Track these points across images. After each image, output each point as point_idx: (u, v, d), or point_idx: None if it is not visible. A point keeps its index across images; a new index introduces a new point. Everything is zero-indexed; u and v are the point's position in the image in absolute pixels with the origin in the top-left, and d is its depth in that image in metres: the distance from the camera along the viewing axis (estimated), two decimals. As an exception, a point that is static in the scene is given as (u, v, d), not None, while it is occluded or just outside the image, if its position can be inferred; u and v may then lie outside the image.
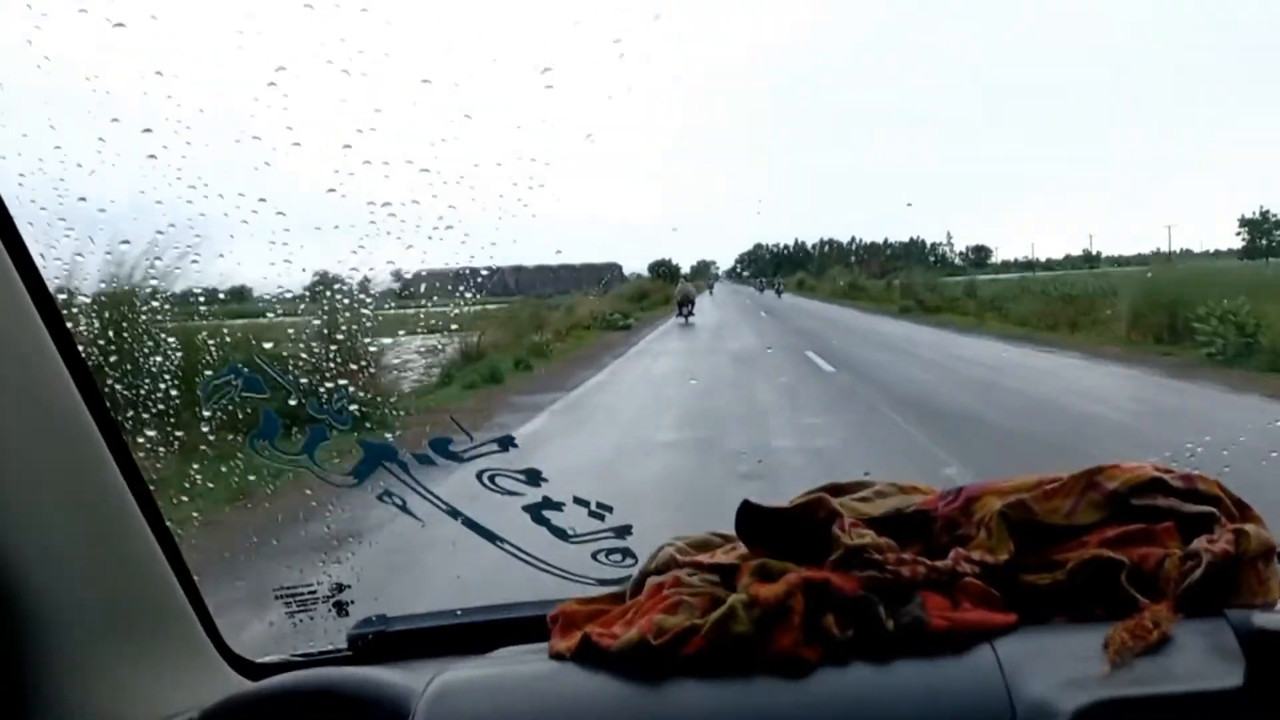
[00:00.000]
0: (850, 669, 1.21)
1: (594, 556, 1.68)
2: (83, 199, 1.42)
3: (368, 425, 1.71)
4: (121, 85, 1.42)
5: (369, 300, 1.86)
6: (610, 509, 1.66)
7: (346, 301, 1.85)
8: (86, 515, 1.30)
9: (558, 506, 1.65)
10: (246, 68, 1.47)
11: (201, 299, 1.59)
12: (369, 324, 1.91)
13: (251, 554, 1.87)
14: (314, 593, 1.70)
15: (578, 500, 1.66)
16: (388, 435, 1.60)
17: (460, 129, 1.61)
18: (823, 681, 1.21)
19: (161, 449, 1.62)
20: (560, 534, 1.66)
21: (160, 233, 1.52)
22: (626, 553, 1.68)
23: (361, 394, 1.69)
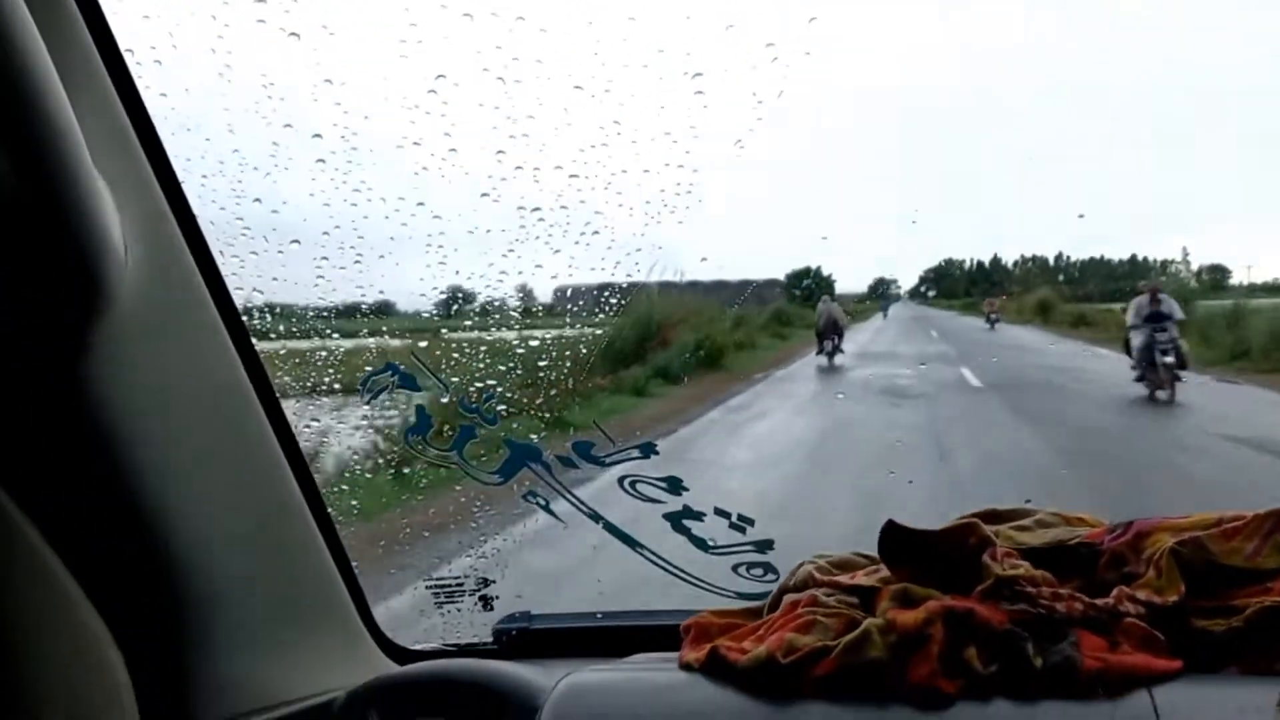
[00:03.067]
0: (991, 705, 1.15)
1: (734, 570, 1.66)
2: (258, 200, 1.52)
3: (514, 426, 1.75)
4: (294, 93, 1.52)
5: (516, 306, 1.91)
6: (752, 522, 1.64)
7: (497, 304, 1.91)
8: (255, 503, 1.38)
9: (698, 516, 1.64)
10: (408, 76, 1.55)
11: (364, 297, 1.68)
12: (516, 326, 1.96)
13: (405, 545, 1.95)
14: (461, 585, 1.75)
15: (719, 511, 1.64)
16: (532, 436, 1.64)
17: (609, 135, 1.63)
18: (960, 716, 1.15)
19: (325, 440, 1.72)
20: (701, 544, 1.65)
21: (326, 233, 1.62)
22: (768, 568, 1.66)
23: (509, 395, 1.73)
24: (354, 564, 1.60)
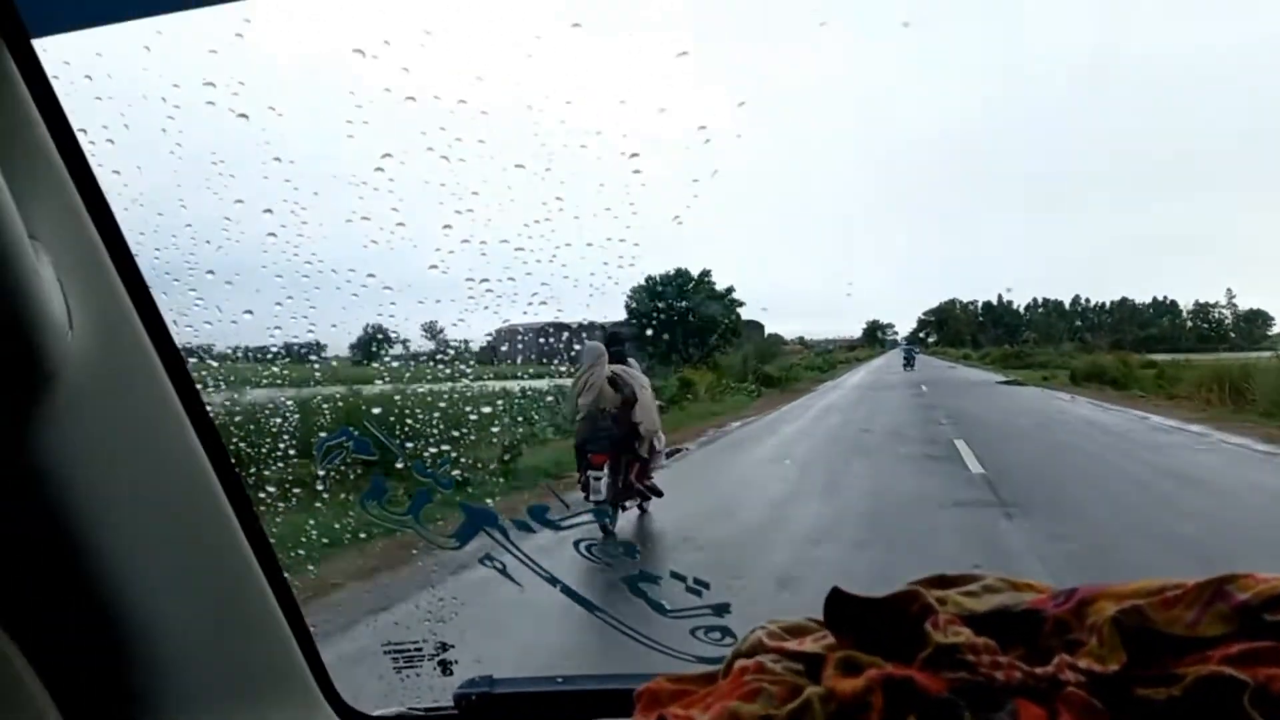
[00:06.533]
0: None
1: (692, 633, 1.67)
2: (210, 272, 1.55)
3: (469, 489, 1.76)
4: (244, 170, 1.56)
5: (469, 369, 1.94)
6: (707, 585, 1.65)
7: (448, 371, 1.93)
8: (208, 567, 1.39)
9: (654, 579, 1.65)
10: (355, 155, 1.60)
11: (317, 367, 1.70)
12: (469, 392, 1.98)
13: (364, 610, 1.95)
14: (419, 649, 1.75)
15: (674, 575, 1.65)
16: (489, 500, 1.65)
17: (552, 211, 1.67)
18: None
19: (280, 505, 1.73)
20: (658, 608, 1.65)
21: (279, 304, 1.65)
22: (725, 631, 1.66)
23: (464, 459, 1.75)
24: (311, 628, 1.60)
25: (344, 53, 1.49)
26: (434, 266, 1.73)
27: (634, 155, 1.72)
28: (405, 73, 1.51)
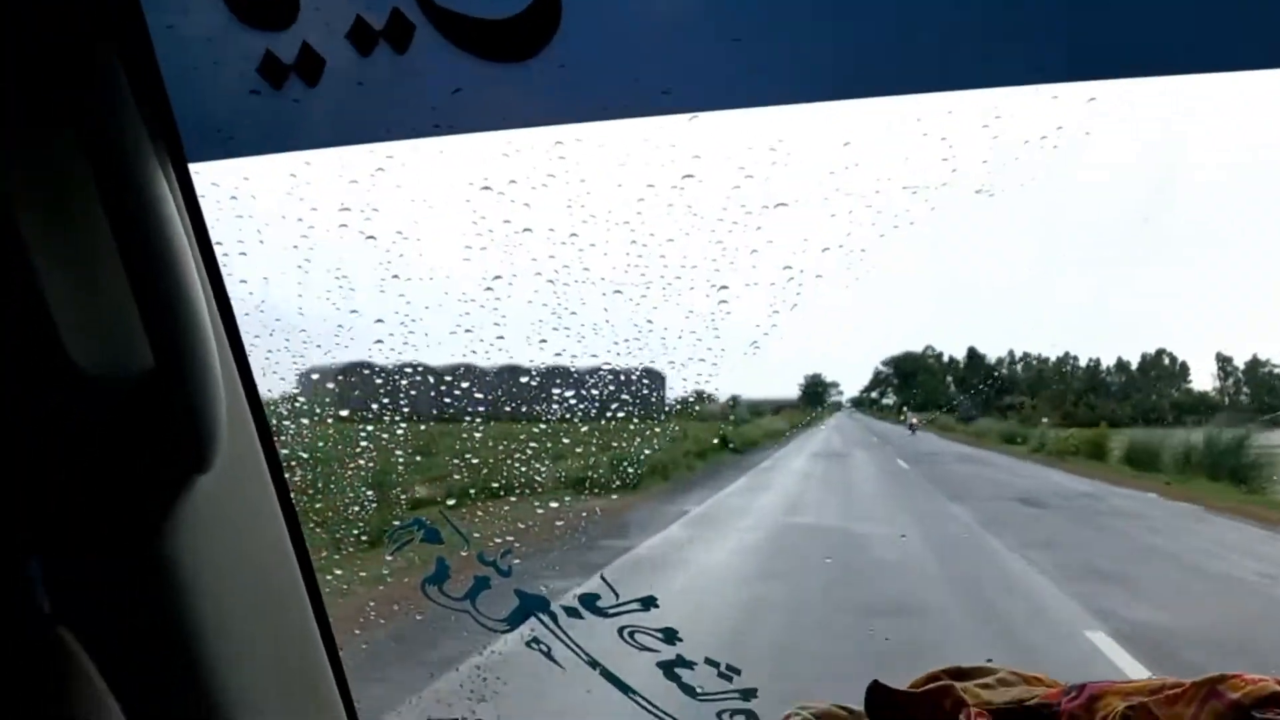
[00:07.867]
0: None
1: (718, 716, 1.76)
2: (315, 374, 1.67)
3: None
4: (363, 285, 1.69)
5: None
6: (739, 671, 1.76)
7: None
8: (285, 657, 1.47)
9: (689, 665, 1.75)
10: (468, 276, 1.75)
11: (401, 459, 1.81)
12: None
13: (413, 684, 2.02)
14: None
15: (709, 661, 1.76)
16: (542, 587, 1.75)
17: (642, 331, 1.84)
18: None
19: (345, 587, 1.81)
20: (689, 692, 1.76)
21: (374, 404, 1.76)
22: (750, 715, 1.76)
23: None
24: (356, 702, 1.67)
25: (474, 188, 1.64)
26: (525, 376, 1.87)
27: (723, 288, 1.90)
28: (526, 208, 1.67)
